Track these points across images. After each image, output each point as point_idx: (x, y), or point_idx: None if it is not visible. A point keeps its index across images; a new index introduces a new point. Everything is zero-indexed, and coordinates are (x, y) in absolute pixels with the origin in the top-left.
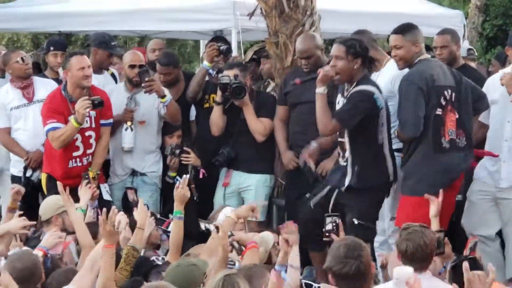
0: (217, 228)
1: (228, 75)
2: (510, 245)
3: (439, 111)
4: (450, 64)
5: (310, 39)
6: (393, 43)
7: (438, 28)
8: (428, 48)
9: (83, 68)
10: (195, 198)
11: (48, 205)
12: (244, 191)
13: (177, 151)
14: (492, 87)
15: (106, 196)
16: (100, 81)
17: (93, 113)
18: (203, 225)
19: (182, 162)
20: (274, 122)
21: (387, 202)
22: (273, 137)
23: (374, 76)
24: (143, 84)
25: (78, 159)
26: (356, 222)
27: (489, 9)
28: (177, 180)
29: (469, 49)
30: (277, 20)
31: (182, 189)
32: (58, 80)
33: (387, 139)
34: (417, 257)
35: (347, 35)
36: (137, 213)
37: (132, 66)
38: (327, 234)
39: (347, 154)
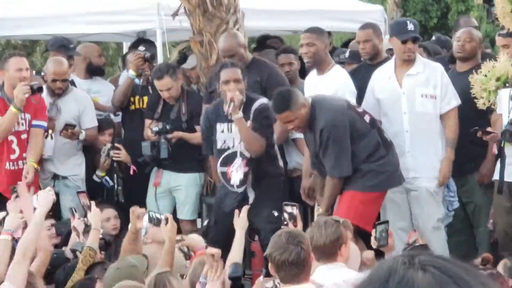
0: (166, 219)
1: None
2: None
3: (367, 118)
4: (373, 58)
5: (232, 37)
6: (286, 120)
7: (360, 23)
8: (346, 45)
9: (21, 69)
10: (121, 200)
11: None
12: (175, 190)
13: (111, 152)
14: (380, 80)
15: (35, 203)
16: None
17: (28, 115)
18: (152, 215)
19: (113, 158)
20: (200, 120)
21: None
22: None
23: (317, 79)
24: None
25: (14, 162)
26: (276, 214)
27: (407, 4)
28: (105, 180)
29: (388, 49)
30: (201, 19)
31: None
32: None
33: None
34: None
35: (271, 32)
36: (91, 215)
37: (54, 80)
38: (285, 223)
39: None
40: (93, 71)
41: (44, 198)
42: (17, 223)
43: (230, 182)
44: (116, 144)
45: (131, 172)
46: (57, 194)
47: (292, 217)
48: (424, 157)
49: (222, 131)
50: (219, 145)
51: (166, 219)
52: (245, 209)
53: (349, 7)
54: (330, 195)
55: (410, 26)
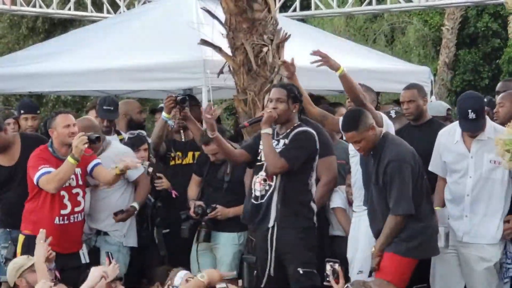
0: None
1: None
2: None
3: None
4: (417, 118)
5: None
6: (352, 140)
7: (406, 83)
8: (397, 103)
9: (69, 125)
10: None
11: (8, 272)
12: (214, 248)
13: (150, 169)
14: (446, 142)
15: (83, 260)
16: None
17: (78, 170)
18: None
19: (156, 188)
20: (245, 179)
21: (358, 258)
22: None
23: None
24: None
25: (66, 217)
26: (301, 271)
27: (458, 64)
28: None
29: (448, 109)
30: (245, 77)
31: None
32: None
33: (314, 186)
34: None
35: (316, 92)
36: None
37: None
38: (327, 279)
39: (272, 193)
40: (134, 127)
41: (93, 273)
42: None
43: (255, 192)
44: (158, 174)
45: (173, 196)
46: (98, 249)
47: (334, 273)
48: (481, 223)
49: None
50: (259, 157)
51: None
52: None
53: (395, 67)
54: (389, 233)
55: (472, 115)
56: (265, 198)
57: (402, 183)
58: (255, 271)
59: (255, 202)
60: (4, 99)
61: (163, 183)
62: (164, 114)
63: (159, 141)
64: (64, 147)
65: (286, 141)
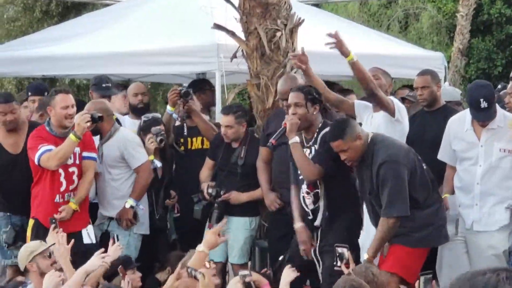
0: (203, 275)
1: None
2: None
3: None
4: (431, 104)
5: (291, 80)
6: (338, 149)
7: (419, 69)
8: (410, 88)
9: (67, 107)
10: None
11: (20, 256)
12: (226, 232)
13: (159, 138)
14: (457, 131)
15: (87, 240)
16: None
17: (77, 149)
18: (190, 270)
19: (166, 204)
20: (257, 163)
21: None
22: (257, 180)
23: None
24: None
25: (61, 195)
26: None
27: (472, 52)
28: (154, 163)
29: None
30: (258, 62)
31: None
32: None
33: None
34: None
35: (329, 77)
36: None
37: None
38: (338, 264)
39: (320, 202)
40: (133, 110)
41: (94, 260)
42: (54, 282)
43: (307, 208)
44: (171, 191)
45: (175, 211)
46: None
47: (342, 258)
48: (491, 212)
49: None
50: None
51: (203, 275)
52: (290, 271)
53: (409, 53)
54: (381, 237)
55: (484, 104)
56: (314, 206)
57: (395, 184)
58: (283, 258)
59: (310, 218)
60: (17, 83)
61: (174, 200)
62: (168, 107)
63: (167, 134)
64: (61, 127)
65: (316, 146)
